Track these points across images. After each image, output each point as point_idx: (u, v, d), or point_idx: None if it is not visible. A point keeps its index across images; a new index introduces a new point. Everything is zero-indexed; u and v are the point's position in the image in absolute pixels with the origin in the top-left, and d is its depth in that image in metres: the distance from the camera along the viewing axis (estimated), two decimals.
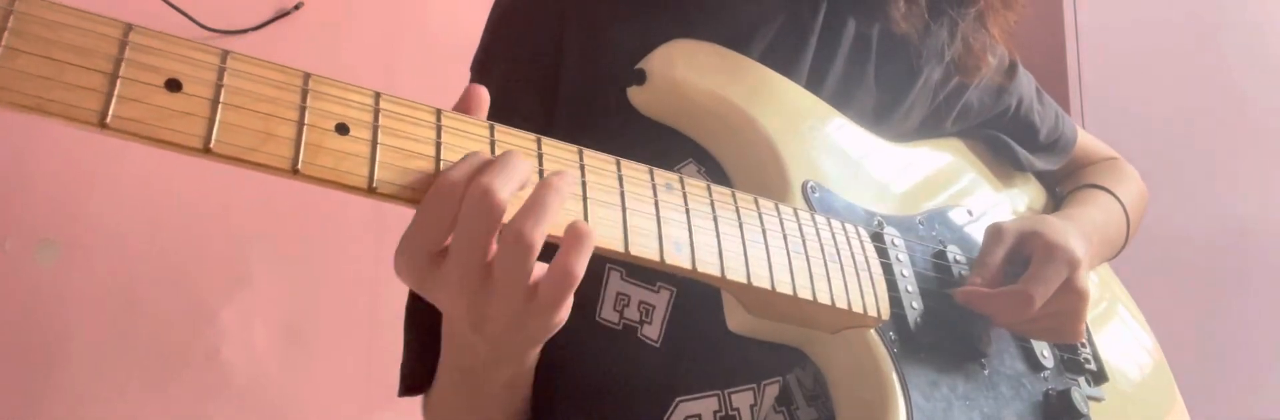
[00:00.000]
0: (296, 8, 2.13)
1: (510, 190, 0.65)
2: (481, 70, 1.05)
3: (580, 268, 0.68)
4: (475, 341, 0.76)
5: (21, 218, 1.79)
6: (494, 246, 0.67)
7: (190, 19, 1.98)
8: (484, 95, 0.74)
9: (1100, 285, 1.31)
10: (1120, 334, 1.27)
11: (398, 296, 2.16)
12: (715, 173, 0.98)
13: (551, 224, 0.67)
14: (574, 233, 0.68)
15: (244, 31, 2.07)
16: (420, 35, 2.30)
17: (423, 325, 0.97)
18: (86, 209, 1.84)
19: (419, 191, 0.65)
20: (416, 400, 1.00)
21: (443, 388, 0.92)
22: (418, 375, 0.96)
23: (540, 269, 0.69)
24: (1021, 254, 1.03)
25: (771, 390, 0.94)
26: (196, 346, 1.92)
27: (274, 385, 1.99)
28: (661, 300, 0.97)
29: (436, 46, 2.28)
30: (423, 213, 0.66)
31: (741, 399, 0.95)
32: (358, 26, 2.23)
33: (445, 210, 0.65)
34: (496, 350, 0.78)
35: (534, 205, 0.67)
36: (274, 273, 2.02)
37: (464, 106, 0.73)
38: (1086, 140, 1.42)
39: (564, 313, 0.72)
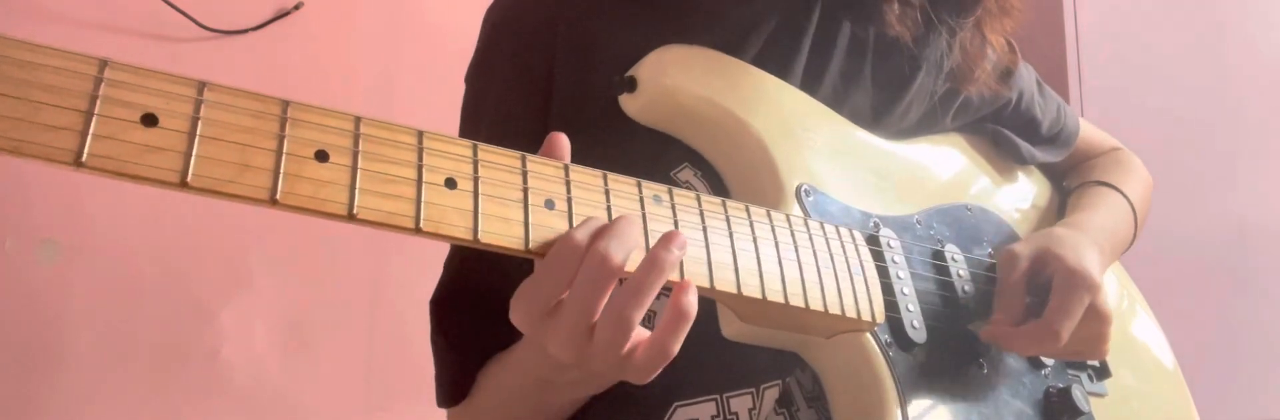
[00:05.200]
0: (296, 8, 2.12)
1: (624, 255, 0.71)
2: (476, 83, 1.05)
3: (676, 346, 0.75)
4: (571, 369, 0.82)
5: (21, 218, 1.79)
6: (601, 307, 0.72)
7: (190, 19, 1.98)
8: (565, 143, 0.79)
9: (1106, 275, 1.30)
10: (1126, 329, 1.27)
11: (397, 297, 2.16)
12: (712, 177, 0.99)
13: (648, 304, 0.73)
14: (675, 313, 0.74)
15: (244, 31, 2.07)
16: (420, 35, 2.29)
17: (455, 339, 0.99)
18: (86, 209, 1.84)
19: (542, 246, 0.72)
20: (415, 401, 1.01)
21: (504, 394, 0.95)
22: (459, 386, 0.98)
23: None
24: (1040, 277, 1.03)
25: (771, 394, 0.95)
26: (196, 346, 1.93)
27: (274, 385, 1.99)
28: (661, 306, 0.98)
29: (436, 46, 2.28)
30: (544, 270, 0.72)
31: (740, 403, 0.95)
32: (358, 26, 2.23)
33: (565, 270, 0.71)
34: (589, 378, 0.85)
35: (637, 289, 0.72)
36: (274, 273, 2.03)
37: (548, 153, 0.78)
38: (1089, 131, 1.42)
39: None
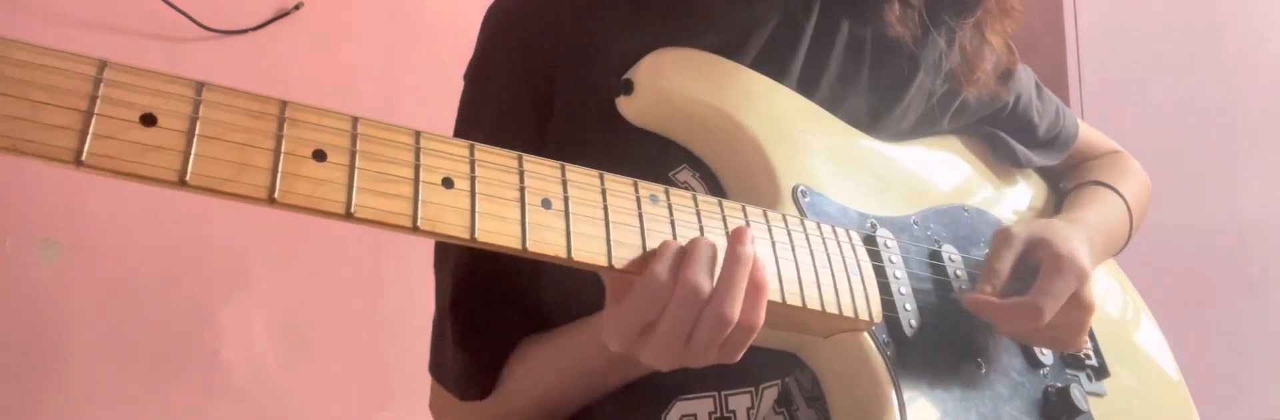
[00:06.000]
0: (296, 8, 2.13)
1: (711, 280, 0.77)
2: (477, 82, 1.05)
3: (760, 319, 0.80)
4: None
5: (21, 218, 1.79)
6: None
7: (190, 19, 1.99)
8: None
9: (1105, 276, 1.31)
10: (1125, 329, 1.27)
11: (397, 297, 2.16)
12: (711, 178, 0.99)
13: (742, 297, 0.78)
14: (754, 288, 0.80)
15: (244, 31, 2.07)
16: (420, 35, 2.29)
17: (486, 332, 1.00)
18: (86, 209, 1.85)
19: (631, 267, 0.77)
20: (415, 401, 1.01)
21: (559, 377, 0.97)
22: (484, 383, 0.99)
23: None
24: (1029, 261, 1.03)
25: (770, 393, 0.95)
26: (196, 347, 1.93)
27: (274, 385, 1.99)
28: None
29: (436, 46, 2.28)
30: (635, 302, 0.77)
31: (738, 402, 0.96)
32: (358, 26, 2.23)
33: (656, 302, 0.76)
34: None
35: (729, 285, 0.78)
36: (274, 273, 2.03)
37: None
38: (1088, 133, 1.42)
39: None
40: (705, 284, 0.77)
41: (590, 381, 0.97)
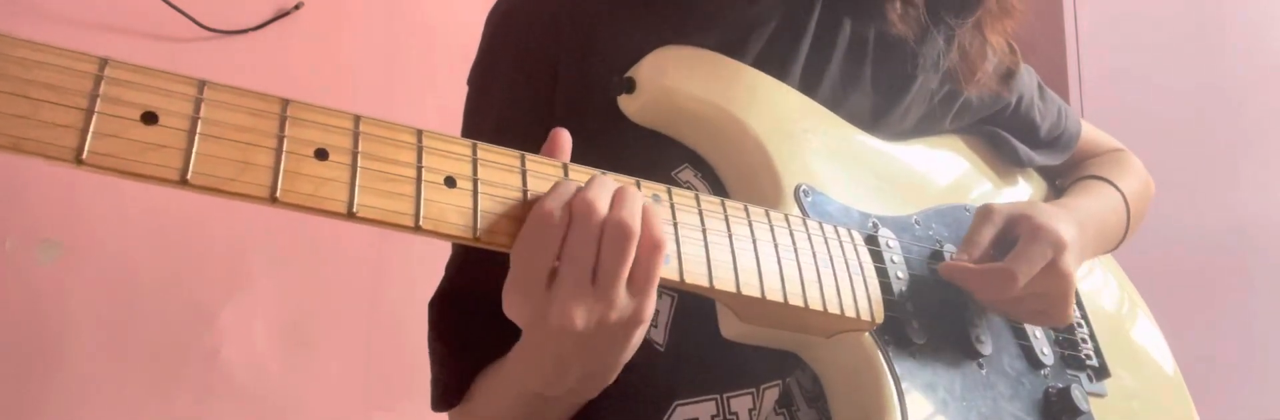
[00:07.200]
0: (296, 8, 2.12)
1: (608, 201, 0.73)
2: (479, 85, 1.05)
3: (661, 235, 0.76)
4: (572, 365, 0.80)
5: (21, 218, 1.79)
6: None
7: (190, 19, 1.98)
8: (566, 138, 0.80)
9: (1105, 275, 1.31)
10: (1126, 329, 1.27)
11: (398, 297, 2.16)
12: (712, 178, 0.99)
13: (639, 209, 0.74)
14: (646, 206, 0.76)
15: (244, 31, 2.07)
16: (420, 35, 2.29)
17: (453, 341, 0.99)
18: (86, 209, 1.84)
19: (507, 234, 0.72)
20: (415, 401, 1.01)
21: (499, 408, 0.93)
22: (454, 389, 0.97)
23: None
24: (1010, 236, 1.03)
25: (771, 394, 0.95)
26: (196, 347, 1.92)
27: (274, 385, 1.99)
28: (664, 305, 0.98)
29: (436, 46, 2.28)
30: (529, 239, 0.72)
31: (740, 403, 0.95)
32: (358, 26, 2.23)
33: (552, 232, 0.71)
34: (588, 376, 0.82)
35: (621, 198, 0.74)
36: (274, 273, 2.03)
37: (550, 148, 0.79)
38: (1091, 133, 1.42)
39: (643, 327, 0.78)
40: (600, 203, 0.73)
41: (530, 413, 0.93)
